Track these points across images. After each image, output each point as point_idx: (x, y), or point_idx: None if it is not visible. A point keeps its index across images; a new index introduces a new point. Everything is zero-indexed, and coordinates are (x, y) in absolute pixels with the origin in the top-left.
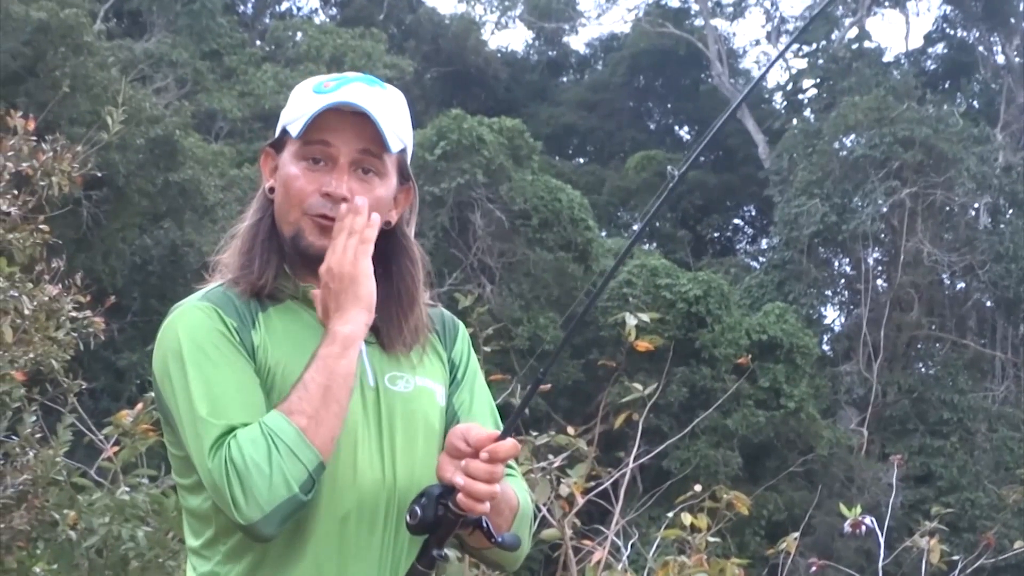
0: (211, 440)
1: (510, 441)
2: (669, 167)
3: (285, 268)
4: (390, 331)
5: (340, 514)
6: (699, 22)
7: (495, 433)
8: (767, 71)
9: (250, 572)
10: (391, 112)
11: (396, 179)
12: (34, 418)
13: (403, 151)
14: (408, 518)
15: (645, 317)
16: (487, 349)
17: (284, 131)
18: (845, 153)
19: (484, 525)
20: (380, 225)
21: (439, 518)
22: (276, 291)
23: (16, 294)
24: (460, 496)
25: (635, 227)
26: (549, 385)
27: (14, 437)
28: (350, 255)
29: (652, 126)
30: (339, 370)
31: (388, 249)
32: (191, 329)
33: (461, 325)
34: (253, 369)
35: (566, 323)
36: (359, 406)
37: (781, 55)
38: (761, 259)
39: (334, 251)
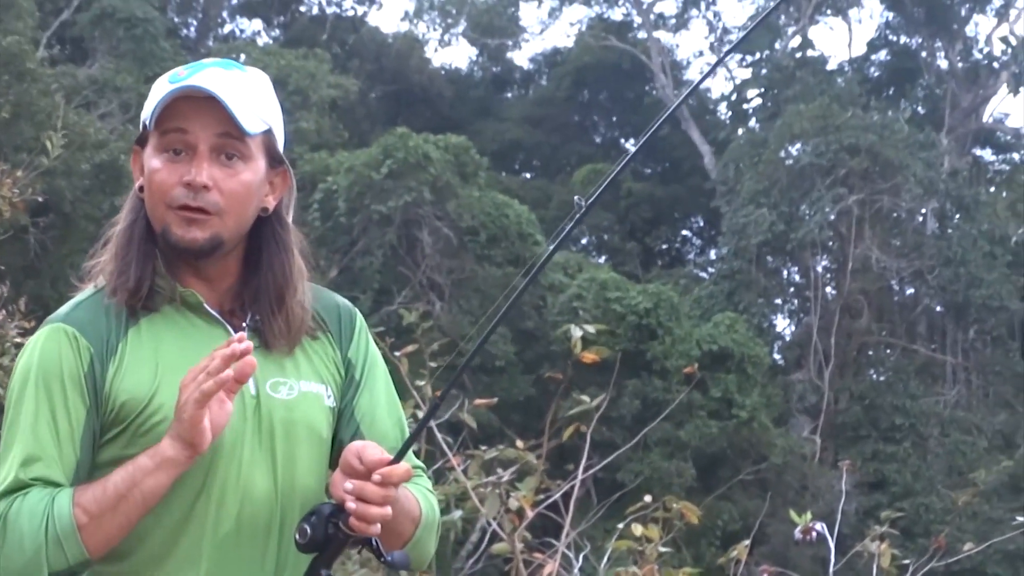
0: (5, 487)
1: (404, 465)
2: (576, 197)
3: (163, 272)
4: (266, 326)
5: (228, 526)
6: (642, 35)
7: (388, 458)
8: (701, 80)
9: None
10: (248, 93)
11: (264, 162)
12: None
13: (268, 132)
14: (297, 536)
15: (591, 328)
16: (433, 364)
17: (144, 124)
18: (791, 162)
19: (374, 544)
20: (253, 217)
21: (329, 537)
22: (153, 298)
23: None
24: (352, 520)
25: (548, 251)
26: (495, 400)
27: None
28: (196, 396)
29: (598, 139)
30: (143, 486)
31: (262, 237)
32: (42, 363)
33: (359, 317)
34: (85, 416)
35: (516, 345)
36: (240, 416)
37: (719, 62)
38: (710, 270)
39: (195, 375)
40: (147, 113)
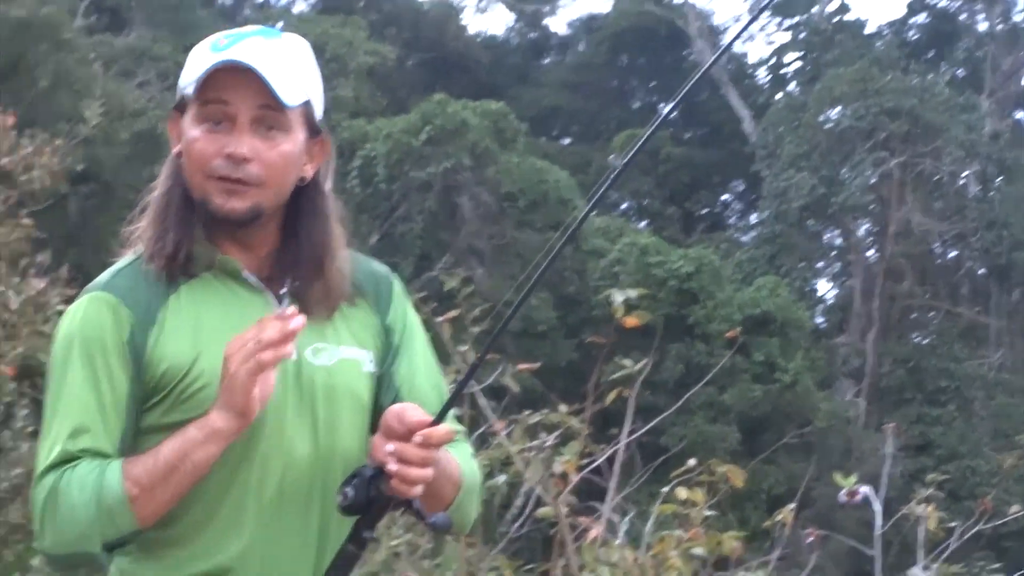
0: (54, 459)
1: (444, 427)
2: (611, 156)
3: (202, 238)
4: (306, 294)
5: (271, 492)
6: None
7: (429, 419)
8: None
9: (179, 548)
10: (288, 64)
11: (304, 132)
12: (25, 412)
13: (307, 103)
14: (339, 499)
15: (632, 293)
16: (475, 330)
17: (184, 93)
18: (831, 125)
19: (416, 506)
20: (292, 186)
21: (371, 499)
22: (192, 263)
23: (2, 289)
24: (393, 482)
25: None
26: (538, 364)
27: (6, 431)
28: (250, 366)
29: (636, 104)
30: (193, 457)
31: (300, 205)
32: (84, 331)
33: (396, 282)
34: (128, 384)
35: (558, 310)
36: (281, 382)
37: (753, 19)
38: (751, 234)
39: (243, 343)
40: (186, 81)
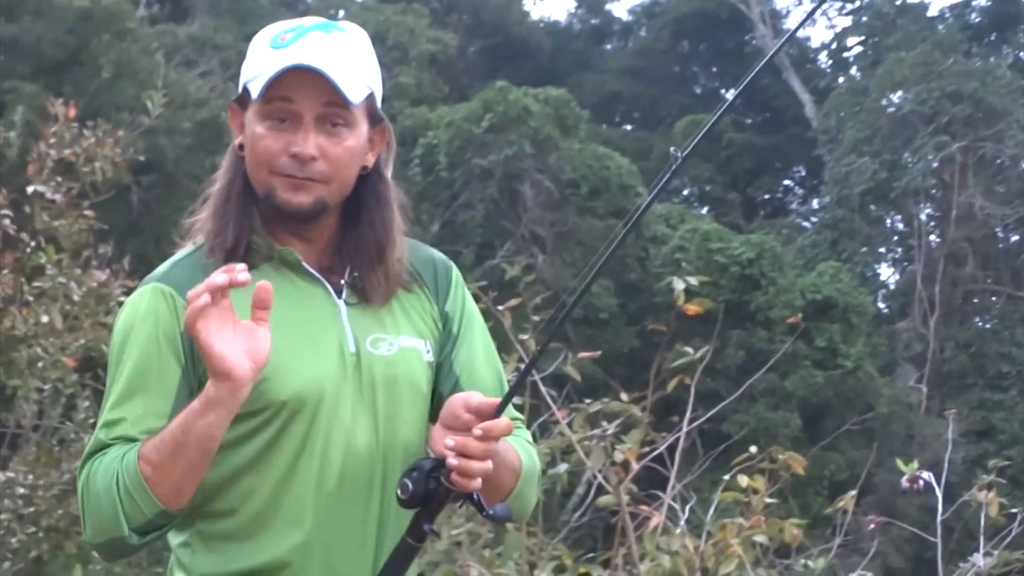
0: (90, 449)
1: (504, 420)
2: (672, 148)
3: (262, 230)
4: (365, 281)
5: (331, 484)
6: None
7: (495, 401)
8: (798, 27)
9: (238, 541)
10: (350, 59)
11: (367, 123)
12: (87, 403)
13: (371, 95)
14: (399, 492)
15: (693, 280)
16: (536, 318)
17: (246, 89)
18: (893, 109)
19: (475, 498)
20: (355, 178)
21: (430, 492)
22: (251, 256)
23: (64, 280)
24: (454, 476)
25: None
26: (599, 352)
27: (68, 423)
28: (190, 317)
29: (698, 90)
30: (195, 429)
31: (361, 193)
32: (139, 323)
33: (454, 270)
34: (180, 375)
35: (619, 297)
36: (340, 373)
37: (818, 6)
38: (813, 219)
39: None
40: (248, 76)
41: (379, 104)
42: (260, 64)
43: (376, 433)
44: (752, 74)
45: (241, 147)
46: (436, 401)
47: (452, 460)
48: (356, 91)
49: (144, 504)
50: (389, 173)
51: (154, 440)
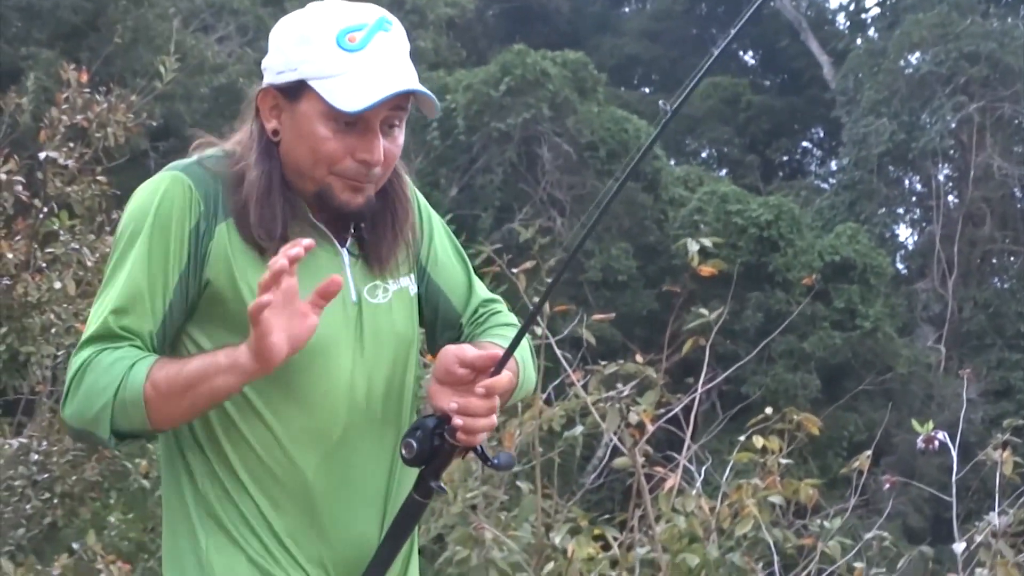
0: (95, 331)
1: (506, 376)
2: (661, 101)
3: (305, 215)
4: (379, 251)
5: (335, 439)
6: None
7: (493, 355)
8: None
9: (241, 493)
10: (409, 59)
11: None
12: None
13: None
14: (403, 451)
15: (708, 242)
16: (549, 281)
17: (304, 84)
18: (911, 71)
19: (479, 450)
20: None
21: (435, 449)
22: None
23: (77, 246)
24: (459, 434)
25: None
26: (613, 315)
27: None
28: (253, 309)
29: (716, 53)
30: (212, 382)
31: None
32: (160, 209)
33: (419, 197)
34: (181, 273)
35: (638, 260)
36: (341, 324)
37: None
38: (831, 180)
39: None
40: (310, 74)
41: None
42: (330, 64)
43: (379, 383)
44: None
45: (275, 133)
46: (429, 316)
47: (458, 420)
48: (428, 99)
49: (135, 418)
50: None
51: (168, 369)
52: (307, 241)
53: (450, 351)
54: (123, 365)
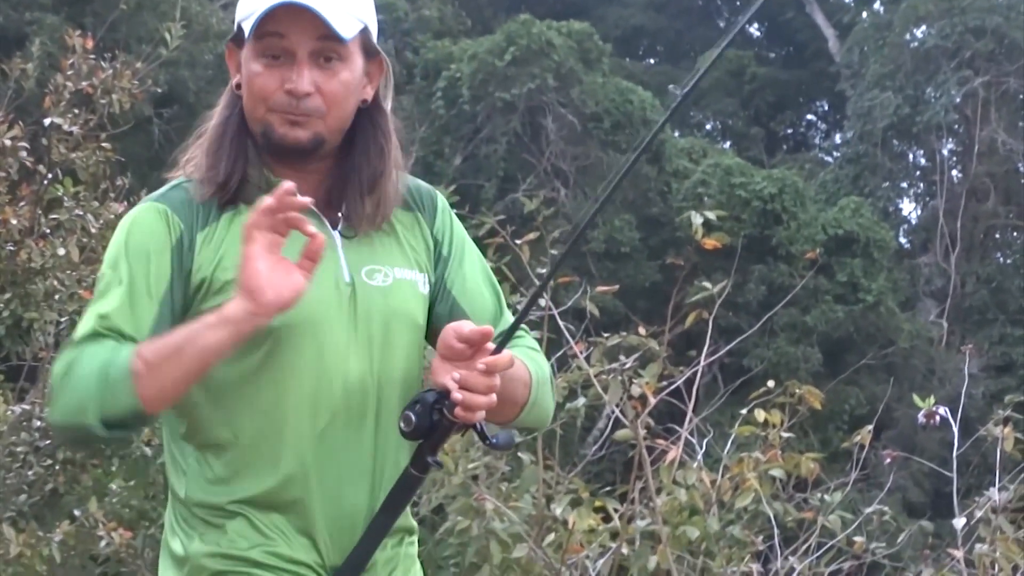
0: (83, 333)
1: (507, 354)
2: (671, 86)
3: (258, 162)
4: (351, 210)
5: (328, 413)
6: None
7: (488, 330)
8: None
9: (229, 469)
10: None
11: (362, 58)
12: None
13: (364, 30)
14: (402, 425)
15: (711, 215)
16: (554, 252)
17: (240, 27)
18: (916, 44)
19: (479, 428)
20: (353, 113)
21: (434, 424)
22: (244, 189)
23: (81, 213)
24: (458, 410)
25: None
26: (616, 287)
27: None
28: (245, 235)
29: (721, 23)
30: (201, 340)
31: (358, 124)
32: (133, 233)
33: (440, 197)
34: (168, 282)
35: (641, 231)
36: (336, 304)
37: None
38: (835, 154)
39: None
40: (242, 16)
41: (375, 37)
42: (253, 1)
43: (371, 362)
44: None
45: (238, 86)
46: (434, 325)
47: (457, 394)
48: (347, 26)
49: (124, 397)
50: (388, 106)
51: (155, 342)
52: (289, 184)
53: (450, 327)
54: (108, 349)
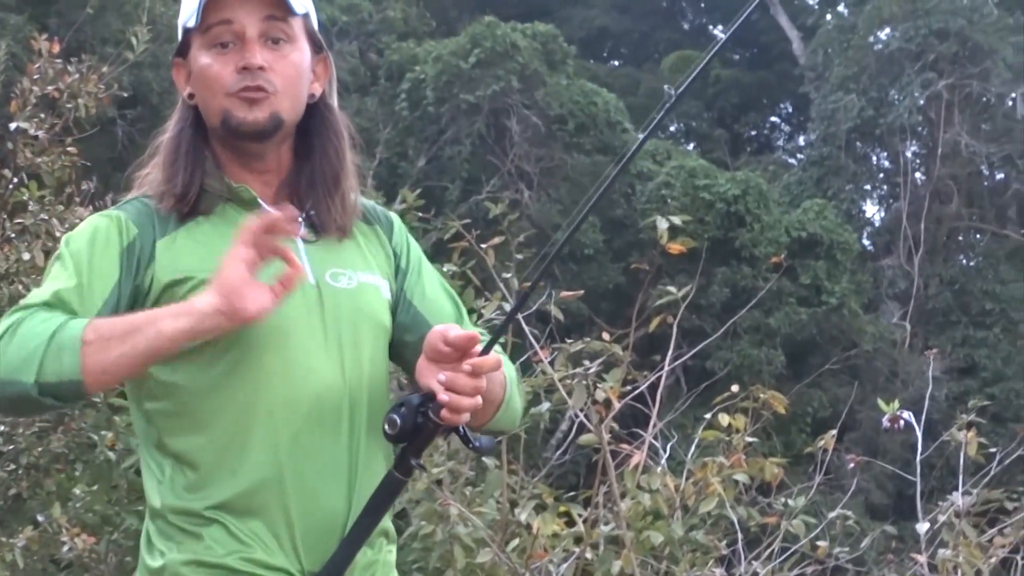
0: (35, 300)
1: (494, 356)
2: (666, 86)
3: (216, 171)
4: (319, 211)
5: (300, 416)
6: None
7: (475, 335)
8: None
9: (204, 474)
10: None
11: (308, 46)
12: None
13: (307, 15)
14: (386, 427)
15: (676, 219)
16: (520, 256)
17: (185, 30)
18: (880, 47)
19: (462, 432)
20: (305, 100)
21: (418, 427)
22: (204, 199)
23: (47, 217)
24: (444, 412)
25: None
26: (581, 292)
27: None
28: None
29: (686, 26)
30: (159, 324)
31: (311, 124)
32: (84, 235)
33: (395, 217)
34: (116, 282)
35: (605, 233)
36: (302, 306)
37: None
38: (799, 156)
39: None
40: (186, 16)
41: (315, 27)
42: (189, 3)
43: (341, 364)
44: (745, 13)
45: (190, 97)
46: (396, 336)
47: (443, 396)
48: (297, 2)
49: (67, 364)
50: (335, 103)
51: (111, 318)
52: (292, 210)
53: (437, 330)
54: (60, 317)
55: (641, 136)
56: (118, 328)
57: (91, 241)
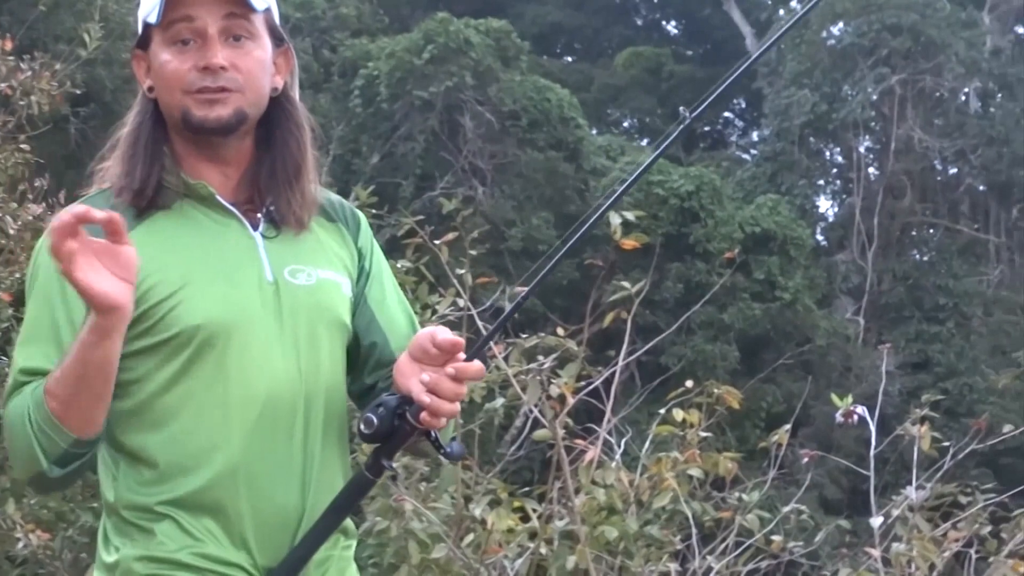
0: (12, 387)
1: (477, 363)
2: (681, 108)
3: (173, 167)
4: (279, 204)
5: (254, 414)
6: None
7: (461, 341)
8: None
9: (158, 471)
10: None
11: (269, 40)
12: None
13: (268, 10)
14: (362, 427)
15: (630, 215)
16: (473, 252)
17: (145, 24)
18: (833, 42)
19: (433, 437)
20: (268, 94)
21: (394, 428)
22: (163, 194)
23: (0, 215)
24: (423, 414)
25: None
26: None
27: (4, 358)
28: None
29: (639, 22)
30: (93, 359)
31: (273, 116)
32: (46, 262)
33: (362, 216)
34: (85, 308)
35: (559, 229)
36: (258, 304)
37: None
38: (753, 151)
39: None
40: (146, 10)
41: (276, 20)
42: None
43: (297, 361)
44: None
45: (150, 90)
46: (365, 349)
47: (424, 397)
48: None
49: (57, 437)
50: (296, 96)
51: (55, 375)
52: (80, 209)
53: (426, 332)
54: (26, 401)
55: (651, 158)
56: (67, 382)
57: (52, 277)
